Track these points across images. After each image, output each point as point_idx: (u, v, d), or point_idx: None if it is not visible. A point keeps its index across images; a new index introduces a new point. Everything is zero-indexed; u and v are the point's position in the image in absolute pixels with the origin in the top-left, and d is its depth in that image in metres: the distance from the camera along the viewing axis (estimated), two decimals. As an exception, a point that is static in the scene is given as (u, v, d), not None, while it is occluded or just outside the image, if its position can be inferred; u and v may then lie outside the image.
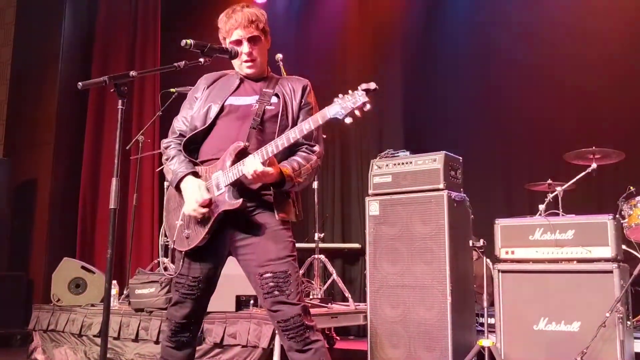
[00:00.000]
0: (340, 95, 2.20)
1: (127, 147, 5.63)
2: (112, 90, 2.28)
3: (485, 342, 3.59)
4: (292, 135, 2.29)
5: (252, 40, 2.51)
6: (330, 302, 4.58)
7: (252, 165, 2.28)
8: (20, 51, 7.01)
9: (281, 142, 2.29)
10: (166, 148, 2.59)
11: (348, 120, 2.19)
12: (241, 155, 2.37)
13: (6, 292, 5.86)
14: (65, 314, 4.78)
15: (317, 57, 6.70)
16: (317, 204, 5.09)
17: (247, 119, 2.46)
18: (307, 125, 2.27)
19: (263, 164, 2.29)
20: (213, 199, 2.39)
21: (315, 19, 6.91)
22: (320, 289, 4.80)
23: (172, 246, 2.52)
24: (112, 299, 4.60)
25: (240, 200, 2.34)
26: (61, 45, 6.78)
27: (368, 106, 2.17)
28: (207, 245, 2.43)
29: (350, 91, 2.19)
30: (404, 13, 6.35)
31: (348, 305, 4.55)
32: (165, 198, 2.63)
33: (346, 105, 2.17)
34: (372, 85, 2.17)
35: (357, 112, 2.18)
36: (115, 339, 4.34)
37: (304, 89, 2.56)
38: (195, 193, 2.40)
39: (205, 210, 2.38)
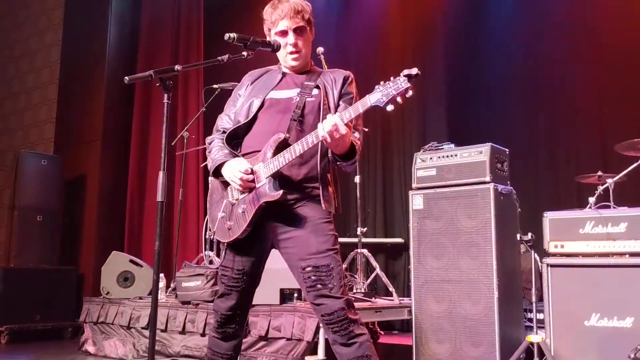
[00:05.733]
0: (382, 82, 2.17)
1: (172, 144, 5.73)
2: (157, 84, 2.31)
3: (534, 337, 3.51)
4: None
5: (297, 30, 2.51)
6: (373, 297, 4.56)
7: (332, 119, 2.22)
8: (69, 51, 7.20)
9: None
10: (209, 143, 2.63)
11: (390, 107, 2.15)
12: (282, 147, 2.37)
13: (58, 285, 6.04)
14: (115, 306, 4.89)
15: (359, 49, 6.66)
16: (359, 198, 5.05)
17: (288, 112, 2.46)
18: (347, 113, 2.24)
19: (302, 156, 2.29)
20: (254, 191, 2.40)
21: (357, 11, 6.87)
22: (363, 283, 4.78)
23: (213, 237, 2.55)
24: (159, 291, 4.69)
25: (281, 191, 2.33)
26: (108, 44, 6.95)
27: (410, 92, 2.12)
28: (250, 238, 2.44)
29: (392, 77, 2.15)
30: (447, 3, 6.25)
31: (392, 300, 4.52)
32: (209, 191, 2.65)
33: (388, 92, 2.14)
34: (414, 71, 2.12)
35: (399, 99, 2.14)
36: (162, 331, 4.42)
37: (345, 79, 2.54)
38: (236, 165, 2.42)
39: (250, 177, 2.38)
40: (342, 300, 2.29)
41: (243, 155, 2.51)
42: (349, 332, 2.27)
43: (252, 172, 2.40)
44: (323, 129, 2.22)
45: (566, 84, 5.57)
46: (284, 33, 2.51)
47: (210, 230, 5.21)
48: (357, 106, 2.23)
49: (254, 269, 2.51)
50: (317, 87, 2.50)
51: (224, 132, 2.60)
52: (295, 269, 2.38)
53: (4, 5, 7.62)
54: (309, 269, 2.32)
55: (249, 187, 2.40)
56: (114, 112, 6.94)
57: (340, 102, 2.48)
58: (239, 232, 2.42)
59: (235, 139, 2.56)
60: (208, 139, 2.65)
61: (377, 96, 2.16)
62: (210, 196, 2.62)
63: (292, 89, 2.53)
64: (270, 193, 2.35)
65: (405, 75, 2.13)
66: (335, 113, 2.34)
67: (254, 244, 2.47)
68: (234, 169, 2.42)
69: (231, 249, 2.50)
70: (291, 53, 2.52)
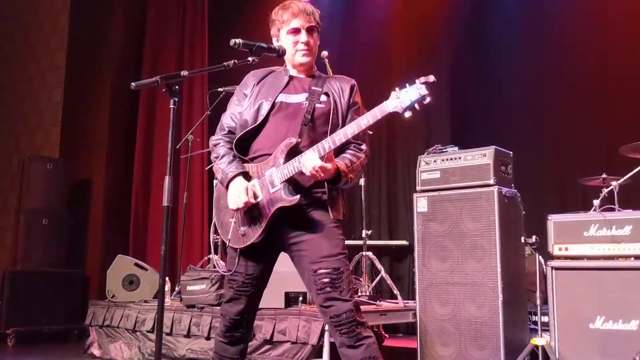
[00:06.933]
0: (397, 89, 2.18)
1: (177, 147, 5.74)
2: (163, 90, 2.32)
3: (539, 340, 3.52)
4: (350, 130, 2.30)
5: (310, 30, 2.54)
6: (378, 300, 4.56)
7: (311, 160, 2.28)
8: (74, 55, 7.23)
9: (338, 137, 2.30)
10: (215, 145, 2.58)
11: (408, 114, 2.17)
12: (293, 151, 2.38)
13: (64, 289, 6.05)
14: (120, 309, 4.91)
15: (362, 53, 6.68)
16: (364, 201, 5.05)
17: (298, 116, 2.47)
18: (364, 120, 2.27)
19: (321, 159, 2.29)
20: (268, 196, 2.41)
21: (360, 14, 6.88)
22: (368, 286, 4.79)
23: (227, 244, 2.54)
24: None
25: (298, 196, 2.35)
26: (113, 48, 6.97)
27: (428, 99, 2.15)
28: (261, 243, 2.44)
29: (407, 85, 2.17)
30: (450, 5, 6.26)
31: (397, 303, 4.53)
32: (214, 196, 2.64)
33: (405, 99, 2.16)
34: (431, 78, 2.15)
35: (416, 106, 2.16)
36: (167, 334, 4.42)
37: (351, 89, 2.56)
38: (242, 193, 2.41)
39: (243, 206, 2.41)
40: (350, 303, 2.31)
41: (252, 159, 2.51)
42: (357, 334, 2.29)
43: (252, 205, 2.41)
44: (305, 167, 2.28)
45: (570, 86, 5.58)
46: (296, 31, 2.52)
47: (215, 235, 5.23)
48: (375, 113, 2.25)
49: (264, 273, 2.53)
50: (326, 94, 2.52)
51: (229, 131, 2.58)
52: (306, 272, 2.39)
53: (10, 9, 7.66)
54: (320, 271, 2.33)
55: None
56: (119, 116, 6.95)
57: (348, 114, 2.51)
58: (254, 237, 2.43)
59: (243, 142, 2.55)
60: (213, 140, 2.61)
61: (395, 103, 2.19)
62: (217, 201, 2.60)
63: (300, 93, 2.53)
64: (287, 198, 2.36)
65: (422, 83, 2.15)
66: (344, 124, 2.39)
67: (264, 248, 2.48)
68: (236, 197, 2.42)
69: (243, 254, 2.49)
70: (302, 50, 2.53)
